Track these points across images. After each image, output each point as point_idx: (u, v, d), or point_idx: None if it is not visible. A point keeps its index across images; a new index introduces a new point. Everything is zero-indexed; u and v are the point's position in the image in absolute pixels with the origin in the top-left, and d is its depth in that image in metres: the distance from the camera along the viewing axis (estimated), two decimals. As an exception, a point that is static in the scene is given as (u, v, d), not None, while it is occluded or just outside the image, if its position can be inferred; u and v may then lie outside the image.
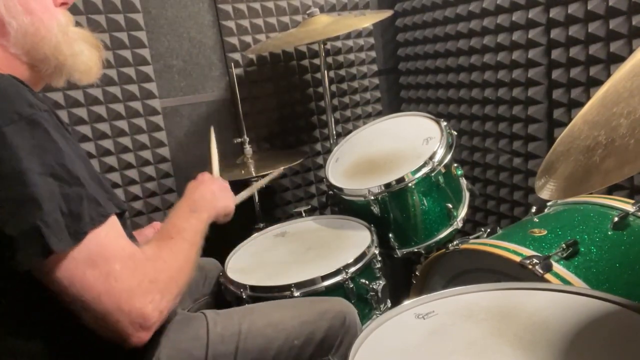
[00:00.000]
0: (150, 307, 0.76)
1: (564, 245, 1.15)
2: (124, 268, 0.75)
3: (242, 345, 0.98)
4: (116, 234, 0.78)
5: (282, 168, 1.67)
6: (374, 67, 2.51)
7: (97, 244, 0.74)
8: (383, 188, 1.50)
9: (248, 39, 2.16)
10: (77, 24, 0.93)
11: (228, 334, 0.99)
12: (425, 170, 1.49)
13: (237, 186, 1.86)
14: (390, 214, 1.55)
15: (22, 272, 0.71)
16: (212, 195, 1.13)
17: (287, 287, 1.26)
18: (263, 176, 1.86)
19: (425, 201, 1.53)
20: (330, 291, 1.28)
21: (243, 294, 1.29)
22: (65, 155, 0.74)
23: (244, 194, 1.40)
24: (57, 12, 0.88)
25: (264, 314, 1.06)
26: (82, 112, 1.86)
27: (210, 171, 1.32)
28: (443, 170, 1.53)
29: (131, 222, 1.98)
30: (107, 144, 1.92)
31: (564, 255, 1.14)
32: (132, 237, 0.97)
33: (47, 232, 0.69)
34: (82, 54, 0.91)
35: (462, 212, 1.62)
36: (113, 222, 0.78)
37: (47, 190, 0.70)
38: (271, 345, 1.00)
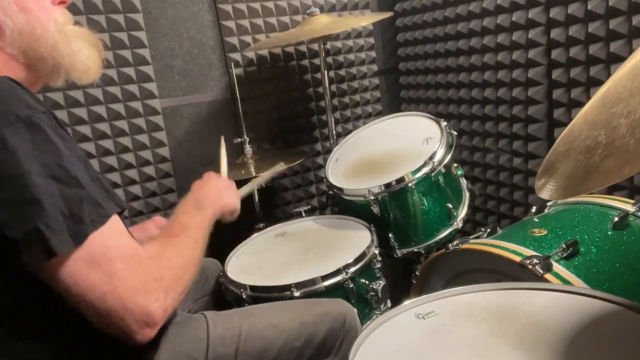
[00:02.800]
0: (155, 304, 0.77)
1: (564, 245, 1.15)
2: (127, 267, 0.75)
3: (242, 347, 0.98)
4: (118, 233, 0.78)
5: (282, 163, 1.65)
6: (374, 67, 2.51)
7: (99, 244, 0.74)
8: (383, 188, 1.50)
9: (248, 39, 2.16)
10: (76, 22, 0.93)
11: (228, 336, 0.99)
12: (425, 170, 1.49)
13: (237, 185, 1.87)
14: (390, 214, 1.55)
15: (26, 274, 0.71)
16: (217, 193, 1.13)
17: (287, 287, 1.26)
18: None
19: (425, 201, 1.53)
20: (330, 291, 1.28)
21: (243, 294, 1.29)
22: (64, 157, 0.73)
23: (245, 189, 1.40)
24: (55, 10, 0.87)
25: (264, 316, 1.06)
26: (82, 112, 1.86)
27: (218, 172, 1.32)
28: (443, 170, 1.53)
29: (131, 223, 1.98)
30: (107, 144, 1.92)
31: (564, 255, 1.14)
32: None
33: (49, 234, 0.69)
34: (81, 53, 0.90)
35: (462, 212, 1.62)
36: (114, 222, 0.77)
37: (48, 192, 0.70)
38: (271, 347, 1.00)
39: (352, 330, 1.09)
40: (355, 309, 1.16)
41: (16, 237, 0.68)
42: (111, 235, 0.76)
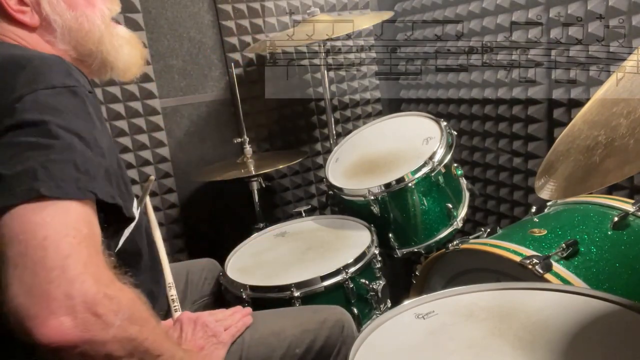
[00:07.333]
0: (105, 302, 0.61)
1: (563, 245, 1.15)
2: (87, 249, 0.63)
3: (245, 355, 0.99)
4: (96, 225, 0.68)
5: (152, 177, 1.33)
6: (374, 67, 2.51)
7: (80, 212, 0.65)
8: (383, 188, 1.50)
9: (248, 39, 2.16)
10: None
11: (233, 343, 0.99)
12: (425, 170, 1.49)
13: (237, 185, 1.86)
14: (390, 214, 1.55)
15: None
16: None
17: (287, 287, 1.26)
18: (261, 175, 1.87)
19: (425, 201, 1.53)
20: (330, 291, 1.28)
21: (243, 294, 1.28)
22: (97, 128, 0.72)
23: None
24: (101, 2, 0.91)
25: (267, 323, 1.07)
26: (82, 112, 1.86)
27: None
28: (443, 170, 1.53)
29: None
30: (107, 144, 1.92)
31: (564, 255, 1.14)
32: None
33: (42, 176, 0.62)
34: (122, 49, 0.94)
35: (462, 212, 1.62)
36: (92, 211, 0.67)
37: (66, 144, 0.66)
38: (274, 354, 1.01)
39: (348, 337, 1.10)
40: (351, 316, 1.16)
41: (6, 174, 0.62)
42: (93, 219, 0.67)
